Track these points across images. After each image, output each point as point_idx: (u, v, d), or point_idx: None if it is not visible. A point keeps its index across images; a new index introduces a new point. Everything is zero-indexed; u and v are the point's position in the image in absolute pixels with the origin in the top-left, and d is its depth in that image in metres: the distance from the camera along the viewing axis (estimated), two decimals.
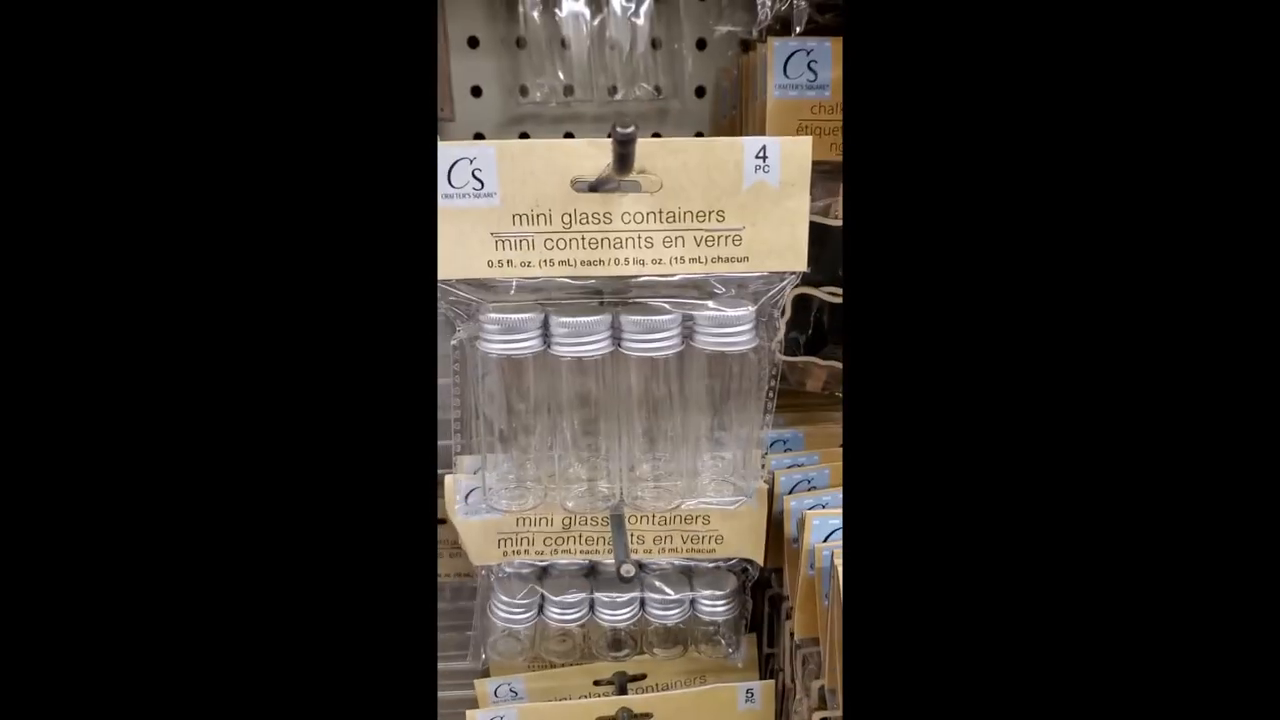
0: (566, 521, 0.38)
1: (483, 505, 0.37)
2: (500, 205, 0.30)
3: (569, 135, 0.55)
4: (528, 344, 0.31)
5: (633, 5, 0.52)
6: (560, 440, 0.34)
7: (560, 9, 0.52)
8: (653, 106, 0.54)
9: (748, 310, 0.30)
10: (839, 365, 0.45)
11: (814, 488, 0.42)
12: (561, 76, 0.53)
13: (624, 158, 0.26)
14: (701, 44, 0.54)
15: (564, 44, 0.53)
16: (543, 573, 0.42)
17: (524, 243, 0.30)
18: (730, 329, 0.30)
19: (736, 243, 0.30)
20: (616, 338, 0.31)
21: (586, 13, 0.52)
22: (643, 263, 0.30)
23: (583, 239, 0.30)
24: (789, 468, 0.44)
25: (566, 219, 0.30)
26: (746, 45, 0.53)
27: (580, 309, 0.31)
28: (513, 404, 0.33)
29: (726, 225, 0.30)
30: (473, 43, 0.53)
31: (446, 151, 0.29)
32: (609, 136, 0.26)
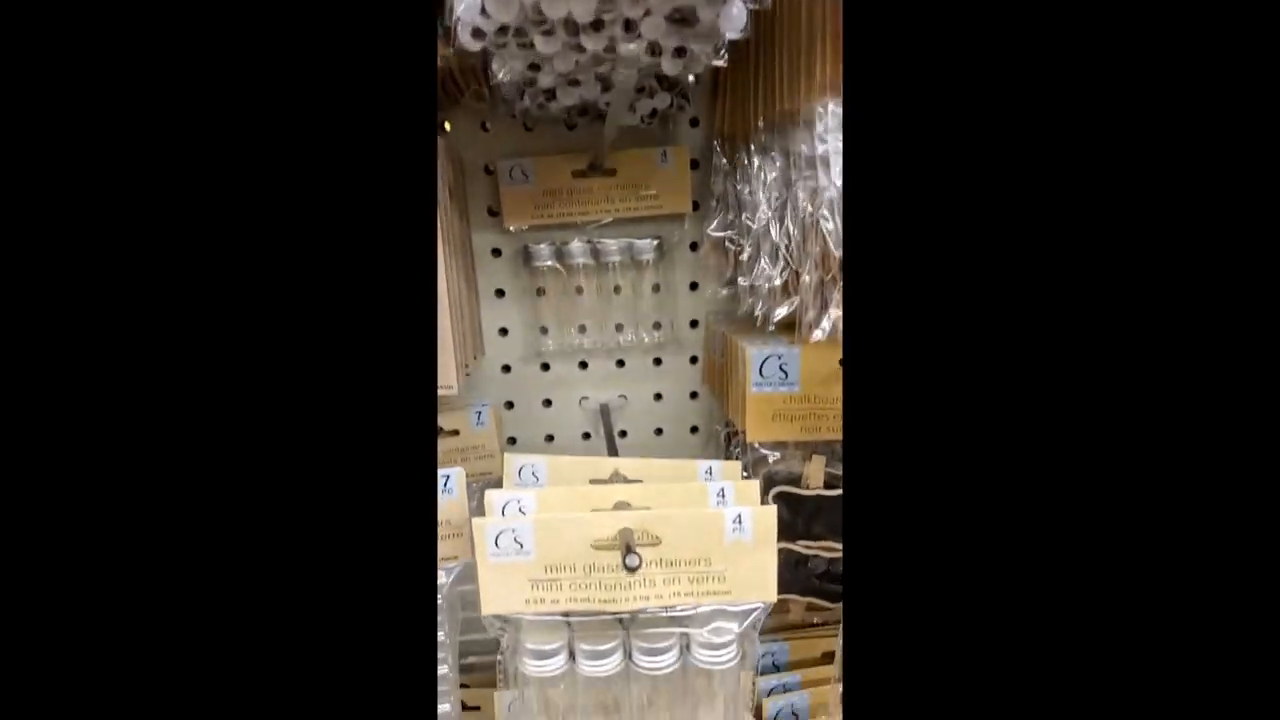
0: None
1: None
2: (534, 559, 0.38)
3: (583, 365, 0.64)
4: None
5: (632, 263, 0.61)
6: None
7: (572, 257, 0.61)
8: (653, 341, 0.63)
9: (732, 635, 0.39)
10: (815, 600, 0.53)
11: (795, 716, 0.50)
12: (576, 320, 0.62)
13: (631, 570, 0.34)
14: (694, 285, 0.63)
15: (578, 291, 0.62)
16: None
17: (554, 585, 0.38)
18: (719, 650, 0.38)
19: (721, 580, 0.38)
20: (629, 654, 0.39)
21: (591, 261, 0.61)
22: (647, 599, 0.38)
23: (600, 583, 0.38)
24: (771, 693, 0.51)
25: (587, 569, 0.38)
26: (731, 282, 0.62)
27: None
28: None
29: (713, 569, 0.38)
30: (499, 293, 0.62)
31: (493, 525, 0.37)
32: (624, 558, 0.34)
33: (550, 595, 0.38)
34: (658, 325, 0.63)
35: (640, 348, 0.64)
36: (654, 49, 0.41)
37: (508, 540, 0.37)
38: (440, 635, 0.43)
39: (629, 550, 0.34)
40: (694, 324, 0.64)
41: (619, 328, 0.63)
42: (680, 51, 0.41)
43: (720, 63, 0.40)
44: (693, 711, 0.44)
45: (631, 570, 0.34)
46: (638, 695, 0.43)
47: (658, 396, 0.65)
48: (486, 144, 0.59)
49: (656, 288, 0.63)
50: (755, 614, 0.39)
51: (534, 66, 0.45)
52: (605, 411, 0.62)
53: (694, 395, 0.65)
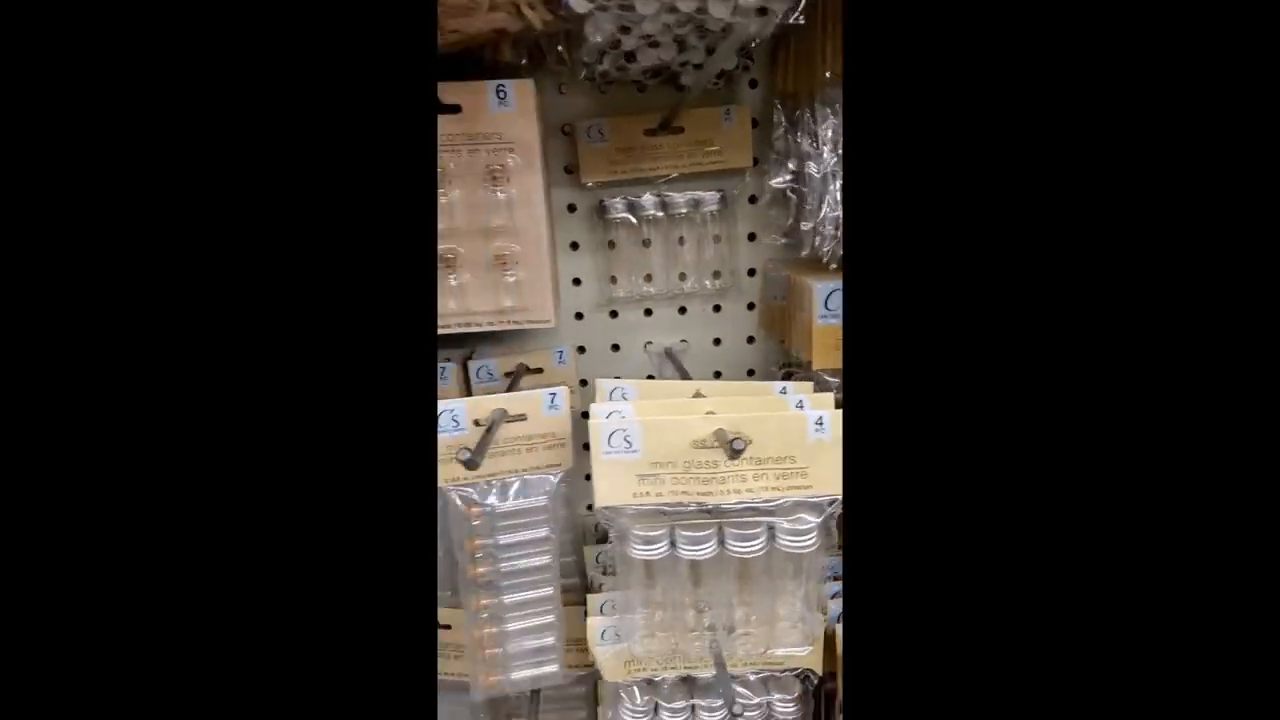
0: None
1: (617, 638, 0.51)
2: (641, 457, 0.43)
3: (648, 312, 0.69)
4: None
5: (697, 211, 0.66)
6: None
7: (644, 210, 0.66)
8: (714, 289, 0.68)
9: (813, 524, 0.44)
10: None
11: None
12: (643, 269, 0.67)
13: (736, 454, 0.40)
14: (752, 236, 0.68)
15: (646, 244, 0.68)
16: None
17: (658, 480, 0.44)
18: (802, 537, 0.44)
19: (804, 476, 0.44)
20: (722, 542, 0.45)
21: (661, 213, 0.66)
22: (739, 492, 0.44)
23: (699, 478, 0.44)
24: (834, 596, 0.57)
25: (687, 465, 0.44)
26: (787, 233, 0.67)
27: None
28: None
29: (797, 465, 0.44)
30: (574, 246, 0.67)
31: (606, 425, 0.43)
32: (728, 445, 0.40)
33: (654, 489, 0.44)
34: (718, 274, 0.68)
35: (701, 295, 0.69)
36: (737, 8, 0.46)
37: (619, 440, 0.43)
38: (545, 531, 0.49)
39: (734, 438, 0.39)
40: (751, 272, 0.69)
41: (682, 276, 0.68)
42: (762, 11, 0.46)
43: (799, 19, 0.45)
44: (773, 603, 0.49)
45: (738, 453, 0.39)
46: (724, 593, 0.49)
47: (717, 341, 0.70)
48: (562, 106, 0.64)
49: (718, 238, 0.68)
50: (833, 505, 0.44)
51: (623, 29, 0.50)
52: (672, 354, 0.67)
53: (750, 340, 0.71)
